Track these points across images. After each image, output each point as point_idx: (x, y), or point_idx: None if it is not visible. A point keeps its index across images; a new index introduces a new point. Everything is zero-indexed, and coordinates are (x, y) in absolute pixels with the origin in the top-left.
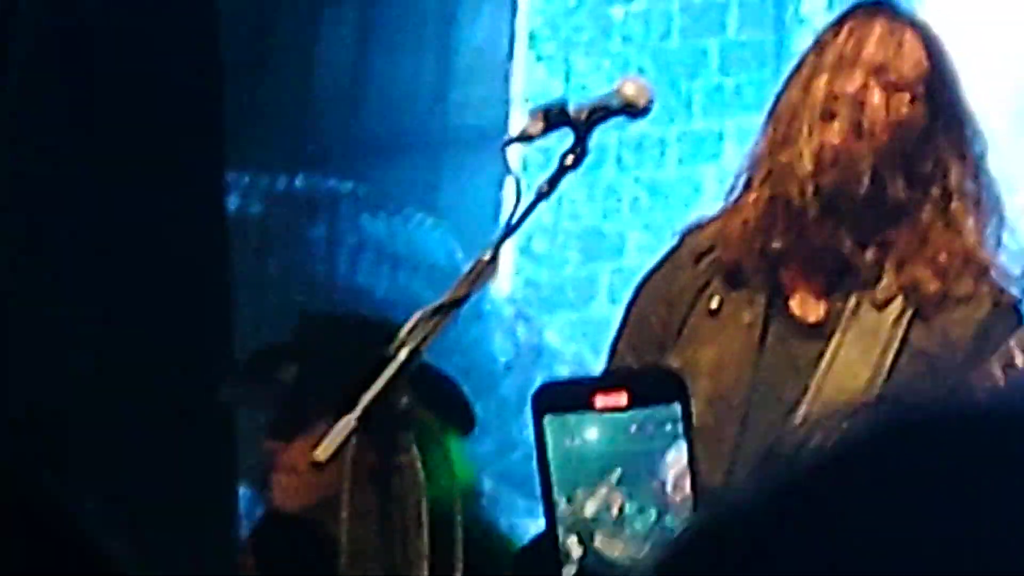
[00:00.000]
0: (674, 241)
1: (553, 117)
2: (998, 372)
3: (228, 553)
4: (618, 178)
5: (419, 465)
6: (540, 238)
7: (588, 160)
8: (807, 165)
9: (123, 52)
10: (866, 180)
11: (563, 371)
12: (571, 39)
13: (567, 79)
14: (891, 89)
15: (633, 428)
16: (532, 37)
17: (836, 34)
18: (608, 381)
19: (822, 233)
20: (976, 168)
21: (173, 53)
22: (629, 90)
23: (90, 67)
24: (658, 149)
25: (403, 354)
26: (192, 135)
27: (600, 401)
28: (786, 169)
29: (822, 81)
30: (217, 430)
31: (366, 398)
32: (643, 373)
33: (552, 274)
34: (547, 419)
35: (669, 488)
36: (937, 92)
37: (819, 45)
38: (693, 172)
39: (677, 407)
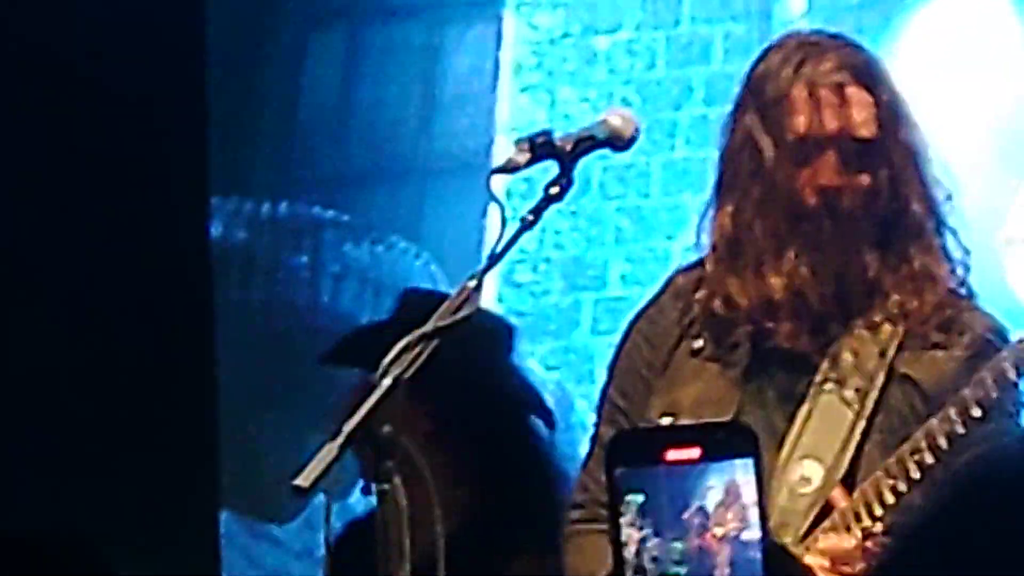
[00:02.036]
0: (660, 285)
1: (539, 148)
2: (990, 383)
3: None
4: (602, 207)
5: (402, 493)
6: (523, 267)
7: (572, 189)
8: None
9: (108, 77)
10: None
11: (545, 400)
12: (556, 69)
13: (552, 109)
14: (855, 157)
15: (687, 481)
16: (517, 67)
17: (790, 106)
18: (681, 436)
19: (812, 274)
20: (939, 212)
21: (158, 79)
22: (615, 121)
23: (75, 92)
24: (642, 179)
25: (386, 382)
26: (176, 161)
27: (672, 455)
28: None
29: (790, 172)
30: (200, 456)
31: (349, 426)
32: (715, 427)
33: (535, 303)
34: (618, 471)
35: (709, 519)
36: (891, 141)
37: (770, 107)
38: (677, 202)
39: (750, 461)
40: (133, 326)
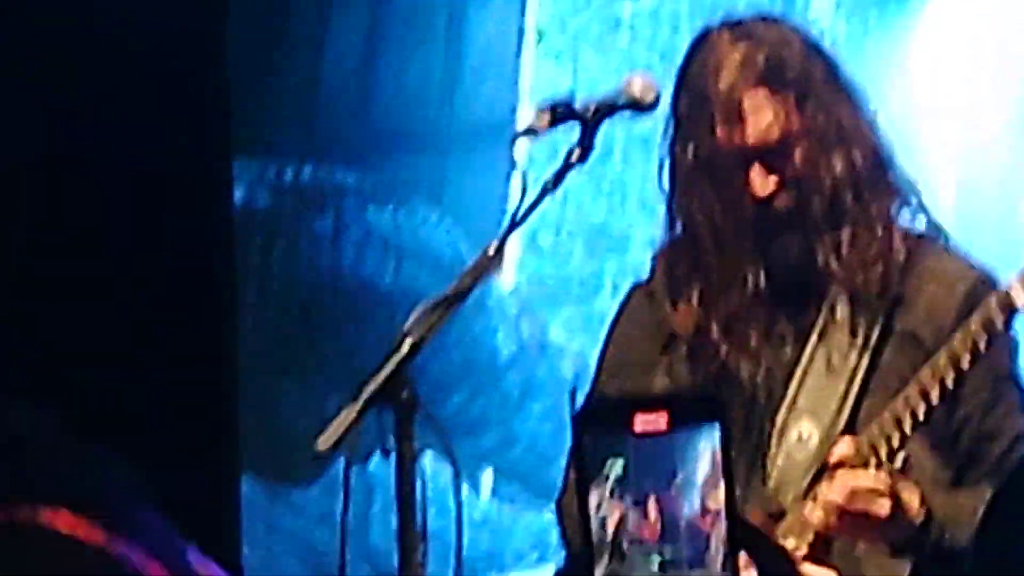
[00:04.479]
0: (651, 264)
1: (560, 113)
2: (979, 331)
3: (231, 546)
4: (624, 174)
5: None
6: (545, 233)
7: (594, 155)
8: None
9: (131, 42)
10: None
11: (566, 366)
12: (579, 35)
13: (574, 75)
14: (771, 159)
15: (670, 448)
16: (540, 33)
17: (697, 124)
18: (648, 403)
19: (764, 277)
20: (871, 174)
21: (181, 43)
22: (636, 86)
23: (99, 55)
24: None
25: (406, 346)
26: (199, 125)
27: (640, 422)
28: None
29: (712, 186)
30: (221, 421)
31: (368, 390)
32: (683, 395)
33: (557, 269)
34: (586, 439)
35: (696, 492)
36: (813, 117)
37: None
38: None
39: (716, 428)
40: (155, 291)
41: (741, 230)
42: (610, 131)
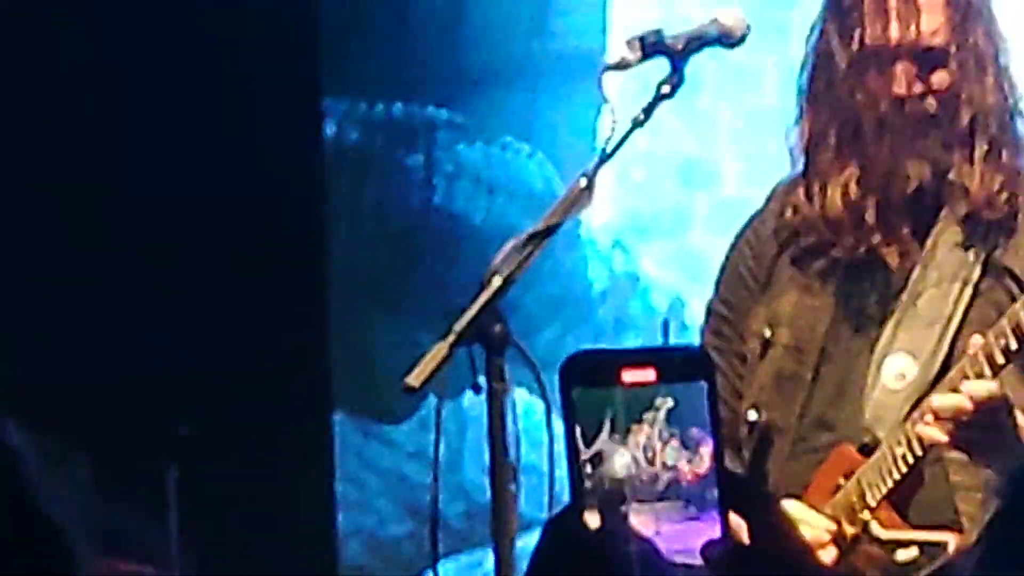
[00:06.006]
0: (764, 200)
1: (650, 46)
2: None
3: (325, 482)
4: (715, 107)
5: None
6: (637, 166)
7: (686, 88)
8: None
9: None
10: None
11: (659, 300)
12: None
13: (664, 7)
14: (925, 65)
15: (660, 404)
16: None
17: (862, 15)
18: (636, 357)
19: (878, 185)
20: (1009, 108)
21: None
22: (726, 19)
23: None
24: (755, 77)
25: (497, 281)
26: (289, 61)
27: (628, 376)
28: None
29: (861, 83)
30: (313, 358)
31: (459, 325)
32: (671, 350)
33: (649, 202)
34: (575, 391)
35: (685, 464)
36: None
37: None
38: (790, 100)
39: (704, 385)
40: (247, 228)
41: (882, 126)
42: (700, 63)
